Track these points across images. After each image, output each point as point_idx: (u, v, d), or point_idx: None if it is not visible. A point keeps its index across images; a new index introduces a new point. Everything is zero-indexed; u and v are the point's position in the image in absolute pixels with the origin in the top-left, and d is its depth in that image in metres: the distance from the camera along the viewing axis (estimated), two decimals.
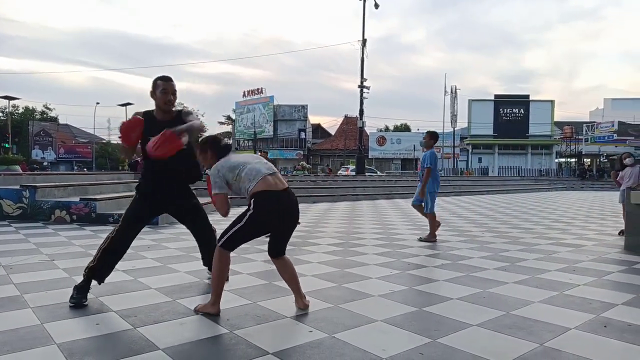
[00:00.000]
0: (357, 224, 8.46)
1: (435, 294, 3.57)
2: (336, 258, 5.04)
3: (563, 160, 47.31)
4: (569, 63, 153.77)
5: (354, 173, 27.03)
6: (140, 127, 3.23)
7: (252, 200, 2.93)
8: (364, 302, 3.34)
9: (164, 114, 3.34)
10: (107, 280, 3.80)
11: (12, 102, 42.93)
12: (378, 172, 36.56)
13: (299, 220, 3.29)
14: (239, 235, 2.99)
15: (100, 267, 3.30)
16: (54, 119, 53.01)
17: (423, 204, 6.61)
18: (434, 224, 6.46)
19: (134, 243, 5.70)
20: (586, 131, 43.39)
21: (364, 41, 25.29)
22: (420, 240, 6.38)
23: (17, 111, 50.31)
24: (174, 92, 3.35)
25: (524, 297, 3.51)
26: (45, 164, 42.54)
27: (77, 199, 8.15)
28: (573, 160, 44.51)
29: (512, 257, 5.23)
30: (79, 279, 3.80)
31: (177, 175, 3.48)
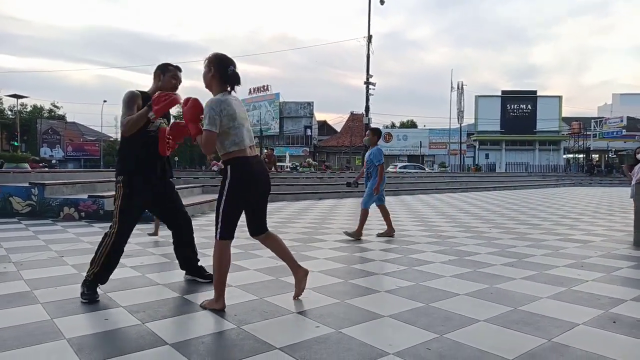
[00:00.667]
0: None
1: (442, 290, 3.56)
2: (343, 254, 5.04)
3: (571, 156, 47.00)
4: (577, 58, 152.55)
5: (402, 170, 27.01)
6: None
7: (228, 167, 2.91)
8: (370, 298, 3.35)
9: None
10: (115, 276, 3.84)
11: (20, 100, 43.21)
12: (427, 169, 36.37)
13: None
14: (228, 216, 2.93)
15: (105, 271, 3.29)
16: (62, 117, 53.40)
17: (378, 201, 6.63)
18: (364, 220, 6.35)
19: (142, 239, 5.76)
20: (594, 127, 43.02)
21: (370, 37, 25.23)
22: (379, 235, 6.40)
23: (25, 110, 50.72)
24: (180, 81, 3.47)
25: (531, 293, 3.49)
26: (53, 161, 42.87)
27: (85, 197, 8.22)
28: (581, 156, 44.18)
29: (520, 252, 5.21)
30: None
31: (162, 155, 3.46)
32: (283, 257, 3.26)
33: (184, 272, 3.87)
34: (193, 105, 2.93)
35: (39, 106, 53.24)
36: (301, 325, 2.79)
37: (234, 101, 2.97)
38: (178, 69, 3.50)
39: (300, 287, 3.27)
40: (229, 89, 2.99)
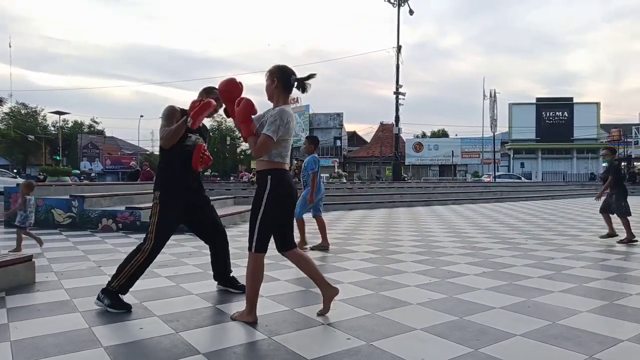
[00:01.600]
0: (394, 231, 8.37)
1: (476, 303, 3.48)
2: (373, 265, 5.00)
3: None
4: (614, 64, 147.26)
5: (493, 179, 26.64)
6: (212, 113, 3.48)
7: (268, 177, 2.92)
8: (402, 310, 3.30)
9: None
10: (150, 286, 3.93)
11: (62, 116, 45.18)
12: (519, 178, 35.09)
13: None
14: (264, 227, 2.92)
15: (130, 282, 3.33)
16: (101, 132, 55.40)
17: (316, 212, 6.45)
18: (302, 230, 6.21)
19: (176, 250, 5.88)
20: (635, 133, 41.36)
21: (399, 48, 25.19)
22: (312, 249, 6.15)
23: (66, 125, 52.89)
24: (221, 106, 3.51)
25: (570, 307, 3.36)
26: (92, 175, 44.44)
27: (122, 208, 8.47)
28: (622, 164, 42.45)
29: (558, 265, 5.03)
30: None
31: (194, 170, 3.56)
32: (314, 275, 3.16)
33: (216, 282, 3.92)
34: (245, 105, 2.95)
35: (79, 122, 55.46)
36: (332, 337, 2.78)
37: (293, 114, 3.04)
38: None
39: (327, 306, 3.18)
40: (293, 96, 3.09)
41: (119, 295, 3.29)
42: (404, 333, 2.82)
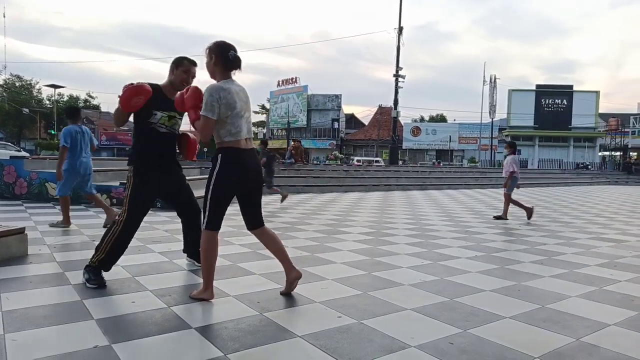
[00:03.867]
0: (389, 214, 8.40)
1: (467, 285, 3.50)
2: (367, 247, 5.02)
3: (607, 153, 45.34)
4: (616, 52, 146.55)
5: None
6: (146, 97, 3.23)
7: (218, 156, 2.87)
8: (394, 291, 3.32)
9: (173, 92, 3.40)
10: (144, 261, 3.94)
11: (57, 90, 44.73)
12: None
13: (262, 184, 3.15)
14: (214, 205, 2.89)
15: (109, 258, 3.28)
16: (97, 107, 54.94)
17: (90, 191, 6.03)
18: (101, 203, 5.96)
19: (170, 226, 5.88)
20: (633, 123, 41.34)
21: (401, 29, 24.91)
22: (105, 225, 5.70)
23: (62, 99, 52.38)
24: (193, 76, 3.47)
25: (560, 291, 3.40)
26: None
27: (117, 184, 8.43)
28: (618, 153, 42.57)
29: (550, 250, 5.07)
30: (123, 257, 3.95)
31: (171, 148, 3.52)
32: (277, 254, 3.13)
33: (185, 254, 3.94)
34: (192, 92, 2.93)
35: (75, 96, 54.94)
36: (323, 314, 2.80)
37: (236, 88, 2.90)
38: (192, 63, 3.46)
39: (290, 288, 3.15)
40: (233, 75, 2.94)
41: (100, 270, 3.25)
42: (394, 312, 2.84)
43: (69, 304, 2.82)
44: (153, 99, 3.30)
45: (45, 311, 2.69)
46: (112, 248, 3.25)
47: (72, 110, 6.10)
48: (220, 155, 2.87)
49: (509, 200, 8.19)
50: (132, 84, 3.24)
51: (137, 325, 2.53)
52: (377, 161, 33.58)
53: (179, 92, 3.21)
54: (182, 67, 3.41)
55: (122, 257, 3.44)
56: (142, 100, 3.23)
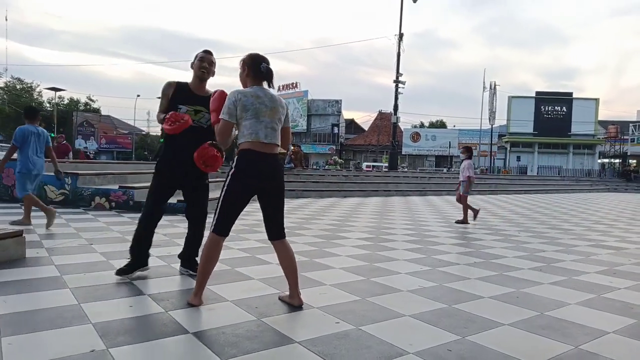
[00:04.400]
0: (388, 219, 8.39)
1: (466, 292, 3.50)
2: (365, 252, 5.01)
3: (606, 160, 45.39)
4: (615, 59, 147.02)
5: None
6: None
7: (235, 158, 2.88)
8: (392, 297, 3.31)
9: (199, 86, 3.54)
10: None
11: (58, 93, 44.76)
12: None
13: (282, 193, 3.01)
14: (224, 208, 2.85)
15: (136, 248, 3.55)
16: (97, 110, 54.94)
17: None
18: (39, 204, 5.86)
19: (170, 230, 5.87)
20: (633, 131, 41.44)
21: (401, 35, 24.98)
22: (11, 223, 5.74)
23: (62, 102, 52.42)
24: (210, 63, 3.55)
25: (559, 299, 3.39)
26: (88, 153, 44.18)
27: (116, 187, 8.43)
28: (617, 161, 42.61)
29: (549, 257, 5.07)
30: (116, 262, 3.97)
31: (198, 141, 3.43)
32: (287, 272, 3.03)
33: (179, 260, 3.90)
34: (217, 95, 2.99)
35: (75, 99, 54.98)
36: (321, 320, 2.78)
37: (260, 93, 2.89)
38: (205, 51, 3.56)
39: (286, 299, 3.08)
40: (264, 84, 2.97)
41: (134, 266, 3.53)
42: (393, 319, 2.83)
43: (66, 308, 2.81)
44: (177, 94, 3.47)
45: (43, 315, 2.67)
46: (135, 236, 3.56)
47: (30, 111, 6.30)
48: (236, 157, 2.89)
49: (466, 203, 8.42)
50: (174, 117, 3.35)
51: (134, 329, 2.52)
52: (386, 167, 34.01)
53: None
54: (197, 57, 3.53)
55: (118, 261, 3.45)
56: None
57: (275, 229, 3.03)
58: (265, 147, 2.85)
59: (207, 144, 3.25)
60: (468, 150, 8.79)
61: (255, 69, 2.94)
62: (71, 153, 13.76)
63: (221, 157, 3.33)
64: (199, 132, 3.47)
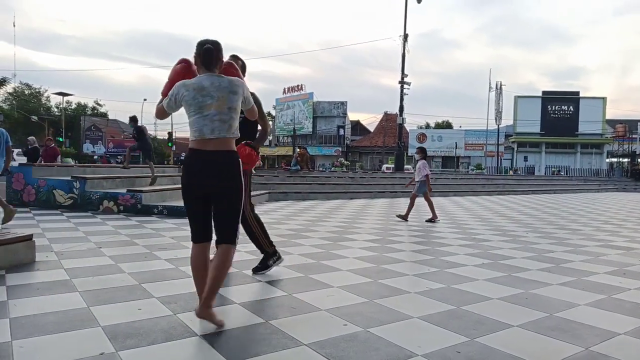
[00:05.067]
0: (394, 221, 8.37)
1: (474, 293, 3.48)
2: (372, 254, 5.00)
3: (615, 160, 45.02)
4: (623, 58, 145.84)
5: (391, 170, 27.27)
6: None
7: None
8: (400, 299, 3.30)
9: None
10: (149, 268, 3.97)
11: (65, 98, 45.18)
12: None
13: (236, 191, 2.65)
14: (187, 212, 2.73)
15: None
16: (104, 115, 55.38)
17: None
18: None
19: (177, 233, 5.89)
20: None
21: (406, 36, 24.96)
22: None
23: (70, 107, 52.90)
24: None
25: (568, 300, 3.36)
26: (95, 157, 44.49)
27: (124, 191, 8.48)
28: (626, 160, 42.24)
29: (557, 258, 5.03)
30: (125, 265, 4.01)
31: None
32: (209, 280, 2.61)
33: None
34: (180, 67, 2.86)
35: (83, 104, 55.43)
36: (329, 322, 2.78)
37: (206, 83, 2.63)
38: (232, 56, 3.72)
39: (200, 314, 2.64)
40: (216, 72, 2.71)
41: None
42: (401, 321, 2.82)
43: (76, 311, 2.83)
44: None
45: (53, 318, 2.70)
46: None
47: None
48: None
49: (429, 199, 8.74)
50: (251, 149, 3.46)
51: (143, 332, 2.54)
52: (406, 168, 33.98)
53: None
54: (236, 66, 3.65)
55: (127, 264, 3.47)
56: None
57: (218, 233, 2.69)
58: (210, 144, 2.59)
59: (241, 144, 3.34)
60: (422, 152, 9.12)
61: (198, 51, 2.71)
62: (60, 157, 13.82)
63: (256, 155, 3.49)
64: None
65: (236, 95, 2.68)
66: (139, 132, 10.33)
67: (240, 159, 2.73)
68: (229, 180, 2.63)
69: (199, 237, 2.71)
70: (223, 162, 2.62)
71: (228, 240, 2.66)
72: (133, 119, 10.71)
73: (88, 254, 4.57)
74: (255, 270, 3.95)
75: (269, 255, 4.01)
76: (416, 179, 8.97)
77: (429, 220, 8.37)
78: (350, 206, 11.61)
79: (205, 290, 2.59)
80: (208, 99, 2.61)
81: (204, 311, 2.57)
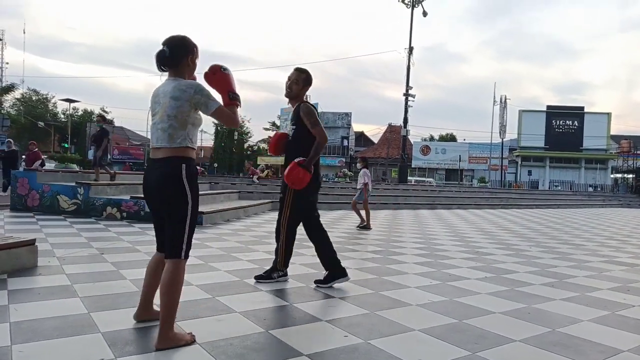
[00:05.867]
0: (397, 233, 8.35)
1: (476, 307, 3.45)
2: (375, 265, 4.98)
3: (619, 175, 44.83)
4: (628, 74, 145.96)
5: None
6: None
7: None
8: (401, 311, 3.28)
9: (291, 103, 4.04)
10: None
11: (72, 104, 45.50)
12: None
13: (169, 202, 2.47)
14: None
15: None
16: (110, 122, 55.65)
17: None
18: None
19: None
20: None
21: (411, 49, 25.12)
22: None
23: (76, 113, 53.25)
24: (289, 79, 3.98)
25: (571, 315, 3.33)
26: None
27: (127, 197, 8.50)
28: (630, 176, 42.05)
29: (561, 273, 4.99)
30: (126, 272, 4.00)
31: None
32: (154, 290, 2.69)
33: (215, 273, 3.95)
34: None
35: (89, 110, 55.79)
36: (330, 333, 2.77)
37: (160, 89, 2.57)
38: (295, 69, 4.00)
39: (140, 316, 2.76)
40: (180, 74, 2.58)
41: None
42: (402, 333, 2.80)
43: (76, 317, 2.83)
44: None
45: (53, 323, 2.69)
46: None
47: None
48: None
49: (367, 208, 8.98)
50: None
51: (142, 339, 2.53)
52: (429, 182, 33.89)
53: None
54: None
55: (128, 271, 3.47)
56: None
57: (165, 246, 2.55)
58: (156, 153, 2.52)
59: (294, 162, 3.63)
60: (364, 161, 9.53)
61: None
62: (42, 160, 13.88)
63: (308, 175, 3.65)
64: (289, 143, 3.92)
65: (177, 102, 2.43)
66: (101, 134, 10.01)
67: (190, 169, 2.49)
68: (165, 190, 2.45)
69: (158, 246, 2.69)
70: (161, 173, 2.46)
71: (172, 254, 2.46)
72: (101, 118, 10.70)
73: (90, 259, 4.57)
74: (258, 278, 3.95)
75: (277, 269, 3.99)
76: (357, 187, 9.41)
77: (360, 225, 8.80)
78: (353, 217, 11.58)
79: (160, 320, 2.41)
80: (157, 106, 2.53)
81: (163, 342, 2.37)
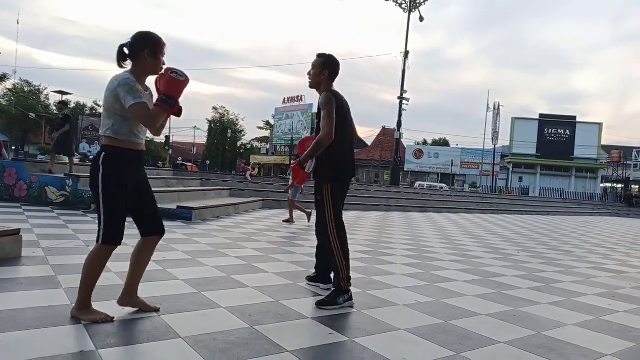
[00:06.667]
0: (387, 234, 8.35)
1: (463, 308, 3.46)
2: (363, 265, 4.97)
3: (609, 185, 45.31)
4: (620, 85, 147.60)
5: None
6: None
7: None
8: (388, 310, 3.27)
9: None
10: None
11: (64, 97, 45.12)
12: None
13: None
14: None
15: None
16: (69, 109, 55.30)
17: None
18: None
19: (167, 236, 5.84)
20: (636, 156, 41.48)
21: (407, 53, 25.19)
22: None
23: (69, 106, 52.80)
24: (312, 66, 3.51)
25: (557, 319, 3.35)
26: (90, 157, 44.23)
27: None
28: (620, 185, 42.53)
29: (547, 278, 5.02)
30: (111, 264, 3.92)
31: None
32: (134, 270, 2.95)
33: (202, 269, 3.90)
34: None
35: (82, 103, 55.41)
36: (315, 331, 2.75)
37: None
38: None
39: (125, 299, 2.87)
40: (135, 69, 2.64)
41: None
42: (387, 332, 2.79)
43: (58, 308, 2.79)
44: None
45: (34, 313, 2.65)
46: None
47: None
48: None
49: (293, 204, 9.03)
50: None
51: (125, 332, 2.50)
52: (441, 187, 33.23)
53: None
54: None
55: (114, 264, 3.42)
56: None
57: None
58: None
59: (295, 162, 3.54)
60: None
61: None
62: (3, 149, 13.76)
63: (301, 169, 3.58)
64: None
65: (107, 92, 2.53)
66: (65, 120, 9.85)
67: (109, 158, 2.60)
68: (91, 180, 2.68)
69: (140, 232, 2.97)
70: (95, 161, 2.65)
71: (96, 239, 2.83)
72: (63, 104, 10.49)
73: (76, 251, 4.52)
74: (320, 304, 3.20)
75: (342, 291, 3.24)
76: (289, 183, 9.51)
77: (287, 221, 8.89)
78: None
79: (135, 282, 2.89)
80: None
81: (77, 312, 2.62)
